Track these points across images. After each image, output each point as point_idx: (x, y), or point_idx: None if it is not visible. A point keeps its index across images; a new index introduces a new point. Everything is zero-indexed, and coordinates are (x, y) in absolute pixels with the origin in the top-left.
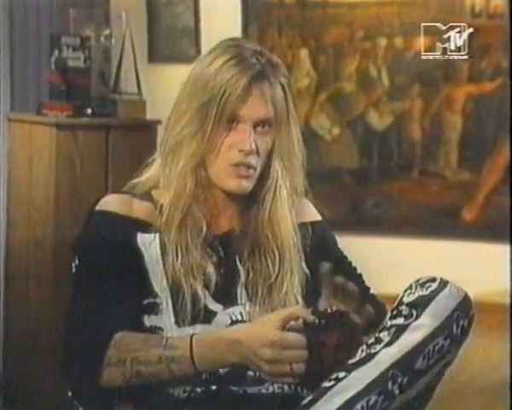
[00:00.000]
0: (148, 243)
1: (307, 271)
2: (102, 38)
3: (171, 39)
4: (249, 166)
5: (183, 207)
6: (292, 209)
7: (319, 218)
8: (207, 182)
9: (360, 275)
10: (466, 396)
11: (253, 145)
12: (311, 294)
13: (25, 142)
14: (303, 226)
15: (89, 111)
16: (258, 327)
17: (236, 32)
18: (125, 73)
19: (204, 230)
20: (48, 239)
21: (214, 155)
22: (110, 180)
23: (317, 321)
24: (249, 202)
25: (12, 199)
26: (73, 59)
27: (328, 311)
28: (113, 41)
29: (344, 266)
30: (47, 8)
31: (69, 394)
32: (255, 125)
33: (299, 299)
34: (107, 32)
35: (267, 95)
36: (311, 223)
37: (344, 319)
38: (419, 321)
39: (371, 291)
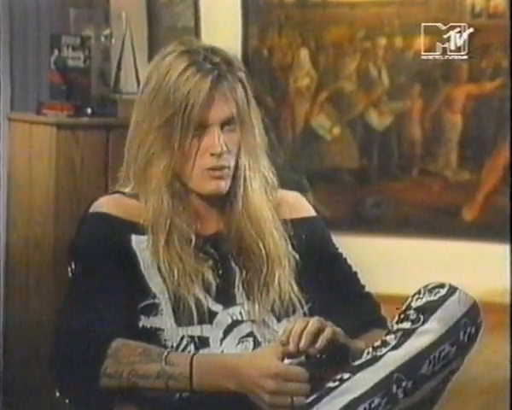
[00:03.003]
0: (143, 246)
1: (297, 256)
2: (102, 38)
3: (171, 39)
4: (223, 168)
5: (166, 223)
6: (267, 198)
7: (311, 213)
8: (184, 192)
9: (355, 273)
10: (466, 396)
11: (224, 147)
12: (304, 280)
13: (25, 142)
14: (290, 222)
15: (89, 111)
16: (260, 357)
17: (236, 32)
18: (125, 72)
19: (193, 238)
20: (48, 239)
21: (187, 164)
22: (110, 180)
23: (318, 355)
24: (227, 201)
25: (12, 199)
26: (73, 59)
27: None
28: (113, 41)
29: (338, 264)
30: (47, 8)
31: (57, 394)
32: (222, 126)
33: (294, 286)
34: (107, 31)
35: (228, 95)
36: (300, 219)
37: (343, 352)
38: (426, 326)
39: (367, 289)
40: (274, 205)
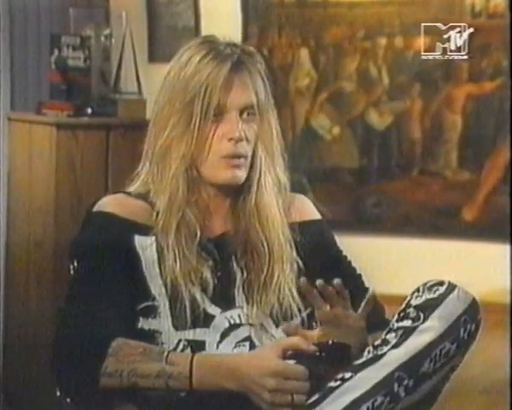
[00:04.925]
0: (146, 246)
1: (301, 263)
2: (102, 38)
3: (171, 39)
4: (240, 156)
5: (178, 211)
6: (278, 199)
7: (317, 216)
8: (198, 183)
9: (360, 275)
10: (466, 396)
11: (242, 133)
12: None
13: (25, 141)
14: (298, 225)
15: (89, 111)
16: (260, 356)
17: (236, 31)
18: (125, 72)
19: (198, 234)
20: (48, 239)
21: (205, 150)
22: (110, 180)
23: (317, 353)
24: (239, 196)
25: (12, 199)
26: (73, 58)
27: (330, 343)
28: (113, 41)
29: (343, 267)
30: (47, 8)
31: (57, 393)
32: (241, 113)
33: (294, 292)
34: (107, 31)
35: (249, 82)
36: (307, 222)
37: (344, 351)
38: (426, 324)
39: (371, 292)
40: (283, 208)
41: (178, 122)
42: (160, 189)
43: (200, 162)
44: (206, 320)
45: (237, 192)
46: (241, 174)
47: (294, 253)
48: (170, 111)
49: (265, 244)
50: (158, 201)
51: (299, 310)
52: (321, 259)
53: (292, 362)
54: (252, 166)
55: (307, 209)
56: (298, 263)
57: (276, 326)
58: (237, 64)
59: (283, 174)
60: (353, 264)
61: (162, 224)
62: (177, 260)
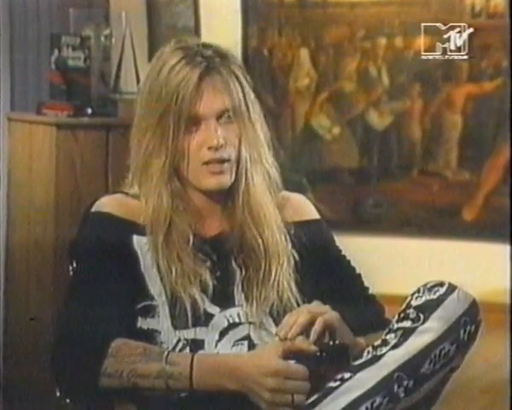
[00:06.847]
0: (144, 246)
1: (297, 256)
2: (102, 38)
3: (171, 39)
4: (222, 161)
5: (164, 221)
6: (270, 194)
7: (315, 216)
8: (184, 190)
9: (359, 275)
10: (466, 396)
11: (221, 139)
12: (305, 282)
13: (25, 142)
14: (295, 224)
15: (89, 111)
16: (260, 356)
17: (236, 32)
18: (125, 72)
19: (191, 238)
20: (48, 239)
21: (186, 159)
22: (110, 180)
23: (318, 353)
24: (228, 198)
25: (12, 199)
26: (73, 58)
27: (330, 343)
28: (113, 41)
29: (341, 266)
30: (47, 8)
31: (57, 394)
32: (218, 118)
33: (293, 286)
34: (107, 31)
35: (220, 86)
36: (305, 221)
37: (344, 351)
38: (426, 325)
39: (370, 291)
40: (277, 205)
41: (154, 135)
42: (145, 200)
43: (184, 170)
44: (205, 319)
45: (226, 195)
46: (226, 179)
47: (290, 246)
48: (146, 123)
49: (260, 241)
50: (145, 212)
51: (298, 303)
52: (318, 258)
53: (292, 362)
54: (237, 167)
55: (305, 209)
56: (294, 257)
57: (276, 325)
58: (207, 70)
59: (272, 168)
60: (352, 263)
61: (150, 236)
62: (173, 267)
